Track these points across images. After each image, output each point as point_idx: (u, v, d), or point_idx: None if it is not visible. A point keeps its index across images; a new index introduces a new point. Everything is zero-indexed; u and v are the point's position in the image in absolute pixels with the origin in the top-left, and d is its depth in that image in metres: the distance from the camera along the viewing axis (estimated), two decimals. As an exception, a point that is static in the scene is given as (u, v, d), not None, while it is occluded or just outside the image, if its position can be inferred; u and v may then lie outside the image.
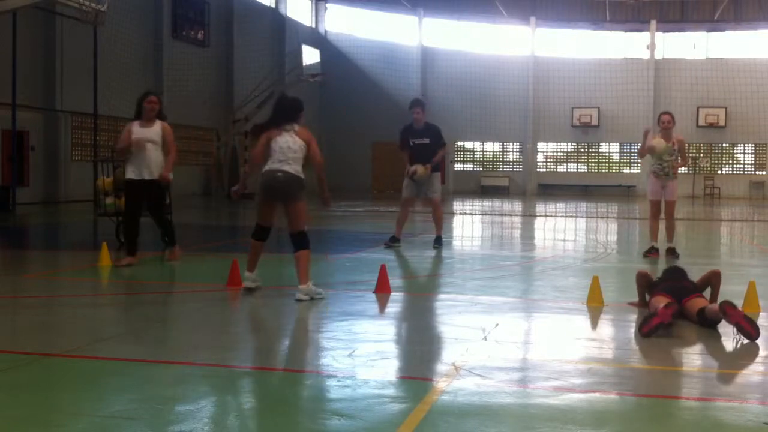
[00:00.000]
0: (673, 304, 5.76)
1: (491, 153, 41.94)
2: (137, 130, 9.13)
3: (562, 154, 41.29)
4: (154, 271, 9.21)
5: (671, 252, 10.52)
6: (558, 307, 6.83)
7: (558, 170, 41.09)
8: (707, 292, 6.51)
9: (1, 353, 4.96)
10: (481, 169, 41.61)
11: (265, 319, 6.54)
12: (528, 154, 40.37)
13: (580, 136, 39.99)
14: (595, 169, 40.72)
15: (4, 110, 21.03)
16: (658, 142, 10.53)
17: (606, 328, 6.18)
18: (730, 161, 39.60)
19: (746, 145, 38.89)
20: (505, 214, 21.76)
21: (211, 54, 31.86)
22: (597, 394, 4.20)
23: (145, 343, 5.43)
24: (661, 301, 5.92)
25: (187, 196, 26.48)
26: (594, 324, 6.28)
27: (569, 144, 40.73)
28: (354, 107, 39.64)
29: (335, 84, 37.38)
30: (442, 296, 7.66)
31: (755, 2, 38.56)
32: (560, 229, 16.84)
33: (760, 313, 6.47)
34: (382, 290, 7.25)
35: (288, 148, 7.14)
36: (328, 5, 41.74)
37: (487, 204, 28.05)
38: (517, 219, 20.06)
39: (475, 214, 21.65)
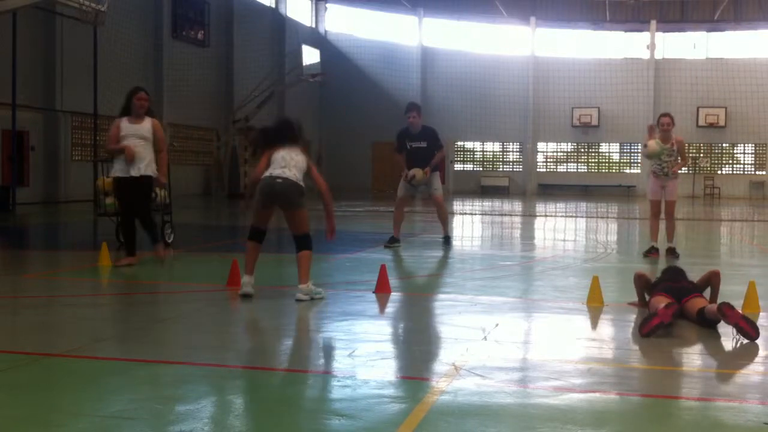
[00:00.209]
0: (673, 304, 5.76)
1: (491, 153, 41.95)
2: (126, 127, 8.93)
3: (562, 154, 41.30)
4: (154, 271, 9.21)
5: (671, 252, 10.52)
6: (558, 307, 6.83)
7: (558, 170, 41.10)
8: (707, 293, 6.51)
9: (1, 353, 4.96)
10: (481, 169, 41.62)
11: (265, 319, 6.54)
12: (528, 154, 40.37)
13: (580, 136, 39.99)
14: (595, 169, 40.72)
15: (4, 110, 21.03)
16: (652, 144, 10.52)
17: (606, 328, 6.18)
18: (730, 161, 39.60)
19: (746, 145, 38.89)
20: (505, 214, 21.76)
21: (211, 54, 31.87)
22: (597, 394, 4.20)
23: (145, 343, 5.43)
24: (661, 302, 5.92)
25: (187, 196, 26.48)
26: (594, 324, 6.28)
27: (569, 144, 40.74)
28: (354, 107, 39.65)
29: (335, 84, 37.39)
30: (442, 296, 7.66)
31: (755, 2, 38.56)
32: (560, 229, 16.84)
33: (760, 313, 6.47)
34: (382, 290, 7.25)
35: (290, 157, 7.08)
36: (328, 5, 41.74)
37: (487, 204, 28.05)
38: (517, 219, 20.07)
39: (475, 214, 21.65)
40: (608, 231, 16.94)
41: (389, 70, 40.37)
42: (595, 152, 40.84)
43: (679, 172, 10.86)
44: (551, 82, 39.18)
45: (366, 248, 11.70)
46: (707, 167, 38.55)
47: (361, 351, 5.06)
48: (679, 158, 10.70)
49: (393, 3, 40.01)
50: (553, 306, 6.87)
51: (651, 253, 10.59)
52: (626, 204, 29.22)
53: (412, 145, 11.42)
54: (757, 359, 5.21)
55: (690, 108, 36.99)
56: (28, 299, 7.08)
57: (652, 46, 38.90)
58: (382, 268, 7.35)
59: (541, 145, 40.70)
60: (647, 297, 6.50)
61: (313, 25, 41.25)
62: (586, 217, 21.55)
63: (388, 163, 36.19)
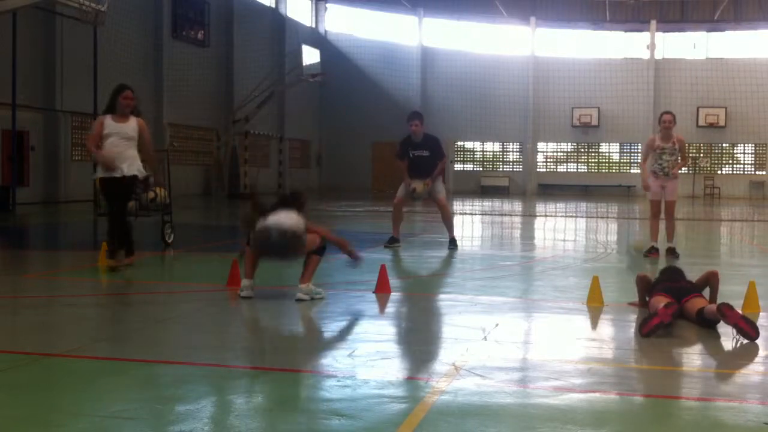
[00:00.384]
0: (672, 304, 5.76)
1: (491, 153, 41.96)
2: (110, 125, 8.61)
3: (562, 154, 41.30)
4: (154, 271, 9.21)
5: (671, 252, 10.52)
6: (558, 307, 6.83)
7: (558, 170, 41.10)
8: (706, 293, 6.51)
9: (1, 353, 4.96)
10: (481, 169, 41.62)
11: (265, 319, 6.54)
12: (528, 154, 40.37)
13: (580, 136, 39.99)
14: (595, 169, 40.72)
15: (4, 110, 21.03)
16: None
17: (606, 328, 6.18)
18: (730, 161, 39.61)
19: (746, 145, 38.89)
20: (505, 214, 21.76)
21: (211, 54, 31.87)
22: (597, 394, 4.20)
23: (146, 343, 5.43)
24: (660, 302, 5.92)
25: (187, 196, 26.48)
26: (594, 324, 6.28)
27: (569, 144, 40.74)
28: (354, 107, 39.66)
29: (335, 84, 37.40)
30: (442, 296, 7.66)
31: (755, 2, 38.56)
32: (560, 229, 16.84)
33: (760, 313, 6.47)
34: (382, 290, 7.24)
35: (287, 215, 6.86)
36: (328, 5, 41.74)
37: (487, 204, 28.05)
38: (517, 219, 20.07)
39: (475, 214, 21.65)
40: (608, 231, 16.94)
41: (389, 70, 40.36)
42: (595, 152, 40.84)
43: (679, 171, 10.86)
44: (551, 82, 39.18)
45: (366, 248, 11.69)
46: (707, 167, 38.56)
47: (361, 351, 5.06)
48: (679, 157, 10.71)
49: (393, 3, 40.00)
50: (553, 306, 6.87)
51: (651, 253, 10.59)
52: (626, 204, 29.22)
53: (414, 153, 11.42)
54: (757, 359, 5.21)
55: (690, 108, 36.98)
56: (28, 299, 7.07)
57: (652, 46, 38.90)
58: (382, 268, 7.35)
59: (541, 145, 40.70)
60: (647, 298, 6.50)
61: (313, 25, 41.25)
62: (586, 217, 21.56)
63: (388, 163, 36.19)
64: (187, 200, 24.24)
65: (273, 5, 36.96)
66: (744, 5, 38.63)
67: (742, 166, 39.49)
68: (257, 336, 6.04)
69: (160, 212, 11.24)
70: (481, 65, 39.62)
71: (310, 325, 6.31)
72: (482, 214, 21.64)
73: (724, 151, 39.34)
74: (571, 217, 21.45)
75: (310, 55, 34.29)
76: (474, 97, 39.30)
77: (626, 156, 40.57)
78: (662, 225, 10.87)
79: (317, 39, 39.39)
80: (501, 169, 41.38)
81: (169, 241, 11.17)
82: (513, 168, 41.20)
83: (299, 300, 6.79)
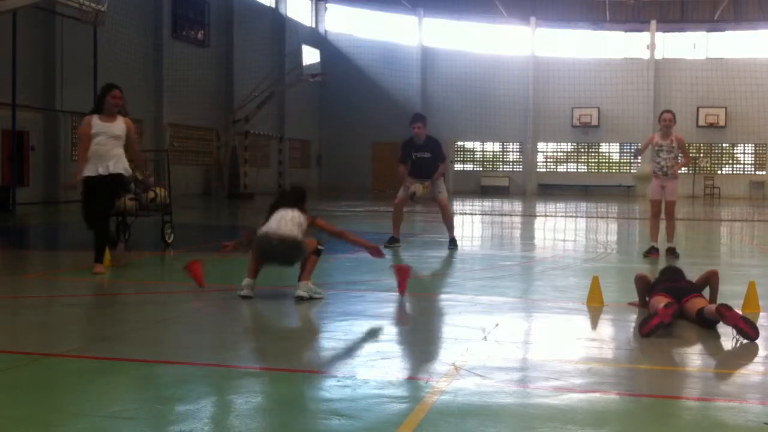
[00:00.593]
0: (672, 304, 5.76)
1: (491, 153, 41.97)
2: (98, 125, 8.49)
3: (562, 154, 41.31)
4: (154, 271, 9.21)
5: (671, 252, 10.52)
6: (558, 307, 6.82)
7: (558, 170, 41.11)
8: (706, 292, 6.51)
9: (1, 353, 4.95)
10: (481, 169, 41.63)
11: (265, 319, 6.54)
12: (528, 154, 40.38)
13: (580, 136, 39.99)
14: (595, 169, 40.73)
15: (4, 110, 21.03)
16: (647, 170, 10.82)
17: (606, 328, 6.18)
18: (730, 161, 39.62)
19: (746, 145, 38.90)
20: (505, 214, 21.76)
21: (211, 54, 31.87)
22: (597, 394, 4.20)
23: (145, 343, 5.43)
24: (660, 302, 5.92)
25: (187, 196, 26.48)
26: (594, 324, 6.28)
27: (569, 144, 40.74)
28: (354, 107, 39.66)
29: (335, 84, 37.39)
30: (442, 296, 7.66)
31: (755, 2, 38.57)
32: (560, 229, 16.84)
33: (760, 313, 6.47)
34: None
35: (287, 214, 7.02)
36: (328, 5, 41.74)
37: (487, 204, 28.05)
38: (517, 219, 20.07)
39: (475, 214, 21.65)
40: (608, 231, 16.94)
41: (389, 70, 40.37)
42: (595, 152, 40.84)
43: (679, 171, 10.86)
44: (551, 82, 39.18)
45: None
46: (707, 167, 38.56)
47: (361, 351, 5.06)
48: (679, 156, 10.71)
49: (393, 3, 40.01)
50: (553, 306, 6.87)
51: (651, 253, 10.59)
52: (626, 204, 29.21)
53: (416, 155, 11.44)
54: (757, 359, 5.21)
55: (690, 108, 36.98)
56: (28, 299, 7.07)
57: (652, 46, 38.90)
58: (404, 272, 7.22)
59: (541, 145, 40.70)
60: (647, 298, 6.50)
61: (313, 25, 41.25)
62: (586, 217, 21.56)
63: (388, 163, 36.22)
64: (187, 200, 24.24)
65: (273, 5, 36.96)
66: (744, 5, 38.64)
67: (742, 166, 39.50)
68: (257, 336, 6.04)
69: (160, 212, 11.25)
70: (481, 65, 39.62)
71: (310, 325, 6.31)
72: (482, 214, 21.64)
73: (724, 151, 39.35)
74: (571, 217, 21.45)
75: (310, 55, 34.30)
76: (474, 97, 39.30)
77: (626, 156, 40.57)
78: (662, 225, 10.88)
79: (317, 39, 39.40)
80: (501, 169, 41.39)
81: (169, 241, 11.17)
82: (513, 168, 41.20)
83: (299, 297, 6.80)
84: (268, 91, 31.54)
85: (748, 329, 5.46)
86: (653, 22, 38.79)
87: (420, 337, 5.80)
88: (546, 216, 21.48)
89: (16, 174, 21.33)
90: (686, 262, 9.40)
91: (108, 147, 8.44)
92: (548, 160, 41.26)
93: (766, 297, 6.95)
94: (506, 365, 4.77)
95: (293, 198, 7.30)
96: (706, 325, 5.84)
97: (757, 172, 38.94)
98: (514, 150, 41.29)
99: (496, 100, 39.39)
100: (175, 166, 19.84)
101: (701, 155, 38.53)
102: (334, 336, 5.70)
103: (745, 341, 5.47)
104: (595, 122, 39.30)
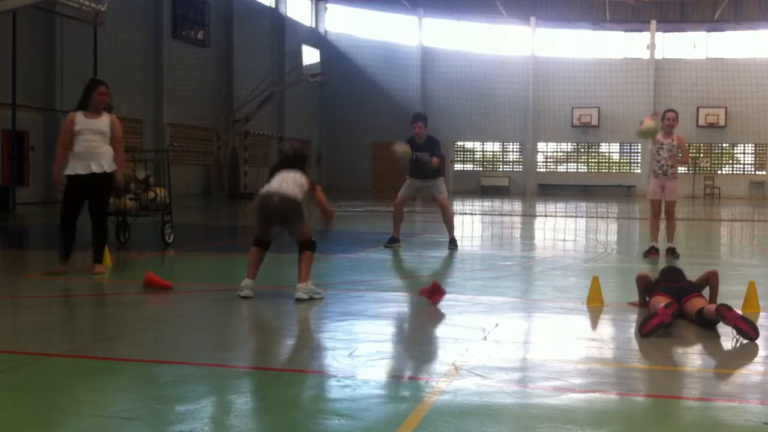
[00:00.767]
0: (672, 304, 5.76)
1: (491, 153, 41.97)
2: (82, 121, 8.24)
3: (562, 154, 41.32)
4: (154, 271, 9.19)
5: (671, 252, 10.53)
6: (558, 307, 6.83)
7: (558, 170, 41.11)
8: (706, 292, 6.52)
9: (1, 353, 4.95)
10: (481, 169, 41.63)
11: (265, 319, 6.54)
12: (528, 154, 40.38)
13: (580, 136, 40.00)
14: (595, 169, 40.74)
15: (4, 110, 21.03)
16: (648, 121, 10.70)
17: (606, 328, 6.18)
18: (730, 161, 39.62)
19: (746, 145, 38.91)
20: (505, 214, 21.76)
21: (211, 54, 31.87)
22: (597, 394, 4.20)
23: (145, 343, 5.43)
24: (660, 302, 5.92)
25: (187, 196, 26.49)
26: (594, 324, 6.28)
27: (569, 144, 40.75)
28: (354, 107, 39.66)
29: (335, 84, 37.39)
30: (442, 296, 7.64)
31: (755, 2, 38.57)
32: (560, 229, 16.84)
33: (761, 313, 6.47)
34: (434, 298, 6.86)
35: (288, 175, 7.10)
36: (328, 5, 41.74)
37: (487, 204, 28.05)
38: (517, 219, 20.07)
39: (475, 214, 21.65)
40: (608, 231, 16.95)
41: (389, 70, 40.37)
42: (595, 152, 40.85)
43: (679, 171, 10.88)
44: (551, 82, 39.18)
45: (366, 248, 11.71)
46: (707, 167, 38.56)
47: (361, 351, 5.06)
48: (680, 155, 10.72)
49: (393, 3, 40.01)
50: (553, 306, 6.87)
51: (651, 253, 10.60)
52: (626, 204, 29.22)
53: (417, 155, 11.44)
54: (757, 359, 5.21)
55: (690, 108, 36.99)
56: (28, 299, 7.07)
57: (652, 46, 38.90)
58: (435, 288, 6.97)
59: (541, 145, 40.71)
60: (647, 298, 6.50)
61: (313, 25, 41.26)
62: (586, 217, 21.56)
63: (388, 163, 36.21)
64: (187, 200, 24.25)
65: (273, 5, 36.96)
66: (744, 5, 38.64)
67: (742, 166, 39.50)
68: (257, 336, 6.04)
69: (160, 212, 11.25)
70: (481, 65, 39.63)
71: (310, 325, 6.31)
72: (482, 214, 21.65)
73: (724, 151, 39.35)
74: (571, 217, 21.45)
75: (310, 55, 34.30)
76: (474, 97, 39.30)
77: (626, 156, 40.57)
78: (662, 225, 10.88)
79: (317, 39, 39.40)
80: (501, 169, 41.39)
81: (169, 241, 11.17)
82: (513, 168, 41.20)
83: (298, 300, 6.80)
84: (268, 91, 31.54)
85: (747, 329, 5.46)
86: (653, 22, 38.79)
87: (420, 337, 5.80)
88: (546, 216, 21.48)
89: (16, 174, 21.33)
90: (686, 262, 9.40)
91: (97, 144, 8.23)
92: (548, 160, 41.26)
93: (766, 297, 6.95)
94: (506, 365, 4.77)
95: (295, 161, 7.37)
96: (705, 325, 5.84)
97: (757, 172, 38.94)
98: (514, 150, 41.30)
99: (496, 100, 39.40)
100: (175, 166, 19.85)
101: (701, 155, 38.53)
102: (334, 336, 5.70)
103: (745, 341, 5.47)
104: (595, 122, 39.30)
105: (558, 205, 27.53)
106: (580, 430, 3.63)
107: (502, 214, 21.75)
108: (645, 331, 5.55)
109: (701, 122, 37.92)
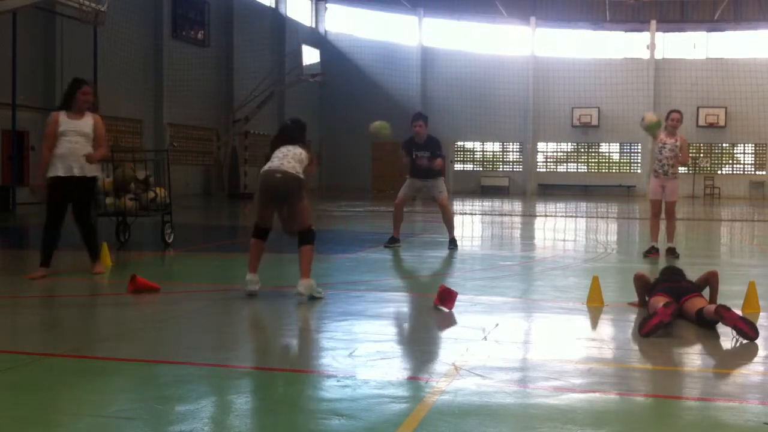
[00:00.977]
0: (672, 304, 5.76)
1: (491, 153, 41.97)
2: (66, 122, 8.06)
3: (562, 154, 41.32)
4: (154, 272, 9.21)
5: (671, 252, 10.53)
6: (558, 307, 6.83)
7: (558, 170, 41.11)
8: (706, 293, 6.51)
9: (1, 353, 4.95)
10: (481, 169, 41.63)
11: (265, 319, 6.54)
12: (528, 154, 40.38)
13: (580, 136, 40.00)
14: (595, 169, 40.74)
15: (4, 110, 21.03)
16: (650, 115, 10.71)
17: (606, 328, 6.18)
18: (730, 161, 39.63)
19: (746, 145, 38.91)
20: (505, 214, 21.76)
21: (211, 54, 31.87)
22: (597, 394, 4.20)
23: (145, 343, 5.43)
24: (660, 301, 5.92)
25: (187, 196, 26.49)
26: (594, 324, 6.28)
27: (569, 144, 40.75)
28: (354, 107, 39.63)
29: (335, 84, 37.38)
30: (442, 296, 7.64)
31: (755, 2, 38.57)
32: (560, 229, 16.84)
33: (761, 313, 6.47)
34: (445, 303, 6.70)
35: (289, 151, 7.13)
36: (328, 5, 41.74)
37: (487, 204, 28.05)
38: (517, 219, 20.07)
39: (475, 214, 21.65)
40: (608, 231, 16.94)
41: (389, 70, 40.37)
42: (595, 152, 40.85)
43: (679, 171, 10.88)
44: (551, 82, 39.18)
45: (366, 248, 11.71)
46: (707, 167, 38.56)
47: (361, 351, 5.06)
48: (679, 156, 10.73)
49: (393, 3, 40.01)
50: (553, 306, 6.87)
51: (651, 253, 10.60)
52: (626, 204, 29.22)
53: (417, 154, 11.44)
54: (757, 359, 5.21)
55: (690, 108, 36.96)
56: (28, 299, 7.07)
57: (652, 46, 38.90)
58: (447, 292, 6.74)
59: (541, 145, 40.71)
60: (647, 298, 6.50)
61: (313, 25, 41.26)
62: (586, 217, 21.56)
63: (388, 163, 36.24)
64: (187, 200, 24.25)
65: (273, 5, 36.96)
66: (744, 5, 38.64)
67: (742, 166, 39.50)
68: (257, 336, 6.04)
69: (160, 212, 11.25)
70: (481, 65, 39.63)
71: (310, 325, 6.31)
72: (482, 214, 21.65)
73: (724, 151, 39.35)
74: (571, 217, 21.45)
75: (310, 55, 34.30)
76: (474, 97, 39.30)
77: (626, 156, 40.57)
78: (663, 225, 10.88)
79: (317, 39, 39.40)
80: (501, 169, 41.39)
81: (169, 241, 11.18)
82: (513, 168, 41.20)
83: (299, 294, 6.83)
84: (268, 91, 31.54)
85: (747, 329, 5.46)
86: (653, 22, 38.79)
87: (420, 337, 5.80)
88: (546, 216, 21.48)
89: (16, 174, 21.33)
90: (686, 262, 9.40)
91: (81, 146, 8.06)
92: (548, 160, 41.26)
93: (766, 297, 6.95)
94: (506, 365, 4.77)
95: (295, 131, 7.35)
96: (705, 325, 5.84)
97: (757, 172, 38.94)
98: (514, 150, 41.29)
99: (496, 100, 39.40)
100: (175, 166, 19.84)
101: (701, 155, 38.53)
102: (334, 336, 5.70)
103: (744, 341, 5.47)
104: (595, 122, 39.30)
105: (558, 205, 27.52)
106: (580, 430, 3.63)
107: (502, 214, 21.75)
108: (645, 331, 5.55)
109: (701, 122, 37.92)
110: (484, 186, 40.17)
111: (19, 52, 21.09)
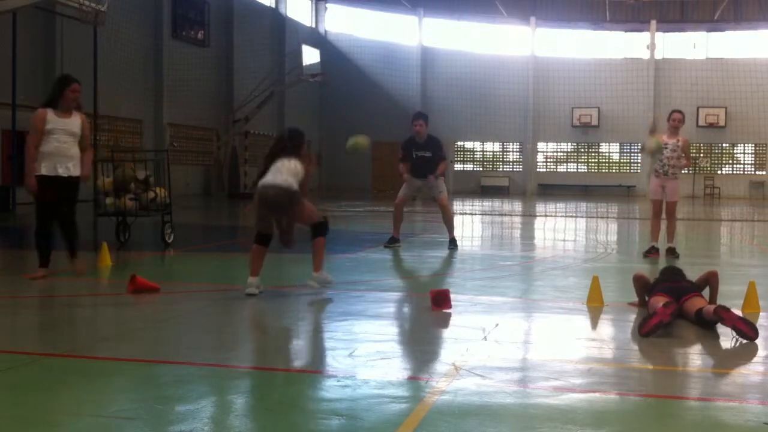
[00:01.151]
0: (672, 303, 5.76)
1: (491, 153, 41.96)
2: (54, 120, 7.82)
3: (562, 154, 41.31)
4: (154, 272, 9.21)
5: (671, 252, 10.52)
6: (558, 307, 6.83)
7: (558, 170, 41.10)
8: (706, 293, 6.51)
9: (1, 353, 4.95)
10: (481, 169, 41.62)
11: (265, 319, 6.54)
12: (528, 154, 40.37)
13: (580, 136, 39.99)
14: (595, 169, 40.73)
15: (4, 110, 21.03)
16: (650, 142, 10.61)
17: (606, 328, 6.18)
18: (730, 161, 39.62)
19: (746, 145, 38.90)
20: (505, 214, 21.76)
21: (211, 54, 31.87)
22: (597, 394, 4.20)
23: (145, 343, 5.43)
24: (660, 301, 5.92)
25: (187, 196, 26.48)
26: (594, 324, 6.28)
27: (569, 144, 40.74)
28: (354, 107, 39.64)
29: (335, 84, 37.37)
30: (442, 296, 7.63)
31: (755, 2, 38.57)
32: (560, 229, 16.84)
33: (761, 313, 6.47)
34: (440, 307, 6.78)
35: (283, 165, 7.16)
36: (328, 5, 41.73)
37: (487, 204, 28.05)
38: (517, 219, 20.07)
39: (475, 214, 21.65)
40: (608, 231, 16.94)
41: (389, 70, 40.36)
42: (595, 152, 40.85)
43: (681, 171, 10.87)
44: (551, 82, 39.18)
45: (366, 248, 11.71)
46: (707, 167, 38.55)
47: (361, 351, 5.06)
48: (681, 158, 10.71)
49: (393, 3, 40.00)
50: (553, 306, 6.87)
51: (651, 253, 10.60)
52: (626, 204, 29.22)
53: (417, 153, 11.44)
54: (756, 359, 5.21)
55: (690, 108, 36.93)
56: (28, 299, 7.07)
57: (652, 46, 38.89)
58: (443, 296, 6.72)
59: (541, 145, 40.70)
60: (647, 298, 6.50)
61: (313, 25, 41.25)
62: (586, 217, 21.55)
63: (388, 163, 36.20)
64: (187, 200, 24.25)
65: (273, 5, 36.96)
66: (744, 5, 38.64)
67: (742, 166, 39.49)
68: (257, 336, 6.04)
69: (160, 212, 11.25)
70: (481, 65, 39.62)
71: (310, 325, 6.31)
72: (482, 214, 21.64)
73: (724, 151, 39.35)
74: (571, 217, 21.45)
75: (310, 55, 34.29)
76: (474, 97, 39.29)
77: (626, 156, 40.57)
78: (663, 225, 10.87)
79: (317, 39, 39.38)
80: (501, 169, 41.38)
81: (169, 241, 11.18)
82: (513, 168, 41.20)
83: (309, 286, 7.02)
84: (268, 91, 31.54)
85: (747, 330, 5.46)
86: (653, 22, 38.78)
87: (420, 337, 5.80)
88: (546, 216, 21.48)
89: (16, 174, 21.32)
90: (686, 262, 9.40)
91: (68, 146, 7.88)
92: (548, 160, 41.26)
93: (766, 297, 6.95)
94: (506, 365, 4.77)
95: (290, 144, 7.34)
96: (705, 325, 5.84)
97: (757, 172, 38.93)
98: (514, 150, 41.29)
99: (496, 100, 39.39)
100: (175, 166, 19.83)
101: (701, 155, 38.53)
102: (334, 336, 5.70)
103: (744, 341, 5.47)
104: (595, 122, 39.30)
105: (558, 205, 27.52)
106: (580, 430, 3.63)
107: (502, 214, 21.75)
108: (644, 331, 5.55)
109: (701, 122, 37.91)
110: (484, 186, 40.16)
111: (19, 52, 21.08)
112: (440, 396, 4.08)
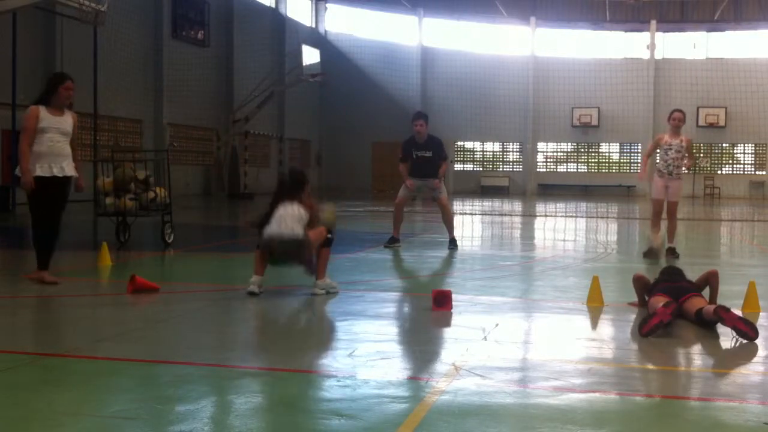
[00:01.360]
0: (672, 303, 5.76)
1: (491, 153, 41.96)
2: (47, 118, 7.60)
3: (562, 154, 41.31)
4: (154, 272, 9.21)
5: (671, 252, 10.52)
6: (558, 307, 6.83)
7: (558, 170, 41.10)
8: (706, 293, 6.51)
9: (1, 353, 4.95)
10: (481, 169, 41.62)
11: (265, 319, 6.54)
12: (528, 154, 40.38)
13: (580, 136, 39.99)
14: (595, 169, 40.73)
15: (4, 110, 21.03)
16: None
17: (606, 328, 6.18)
18: (730, 161, 39.62)
19: (746, 145, 38.90)
20: (505, 214, 21.76)
21: (211, 54, 31.87)
22: (597, 394, 4.20)
23: (145, 343, 5.43)
24: (660, 301, 5.92)
25: (187, 196, 26.49)
26: (594, 324, 6.28)
27: (569, 144, 40.74)
28: (354, 107, 39.65)
29: (335, 84, 37.39)
30: (442, 296, 7.63)
31: (755, 2, 38.57)
32: (560, 229, 16.84)
33: (761, 313, 6.47)
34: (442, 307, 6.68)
35: (286, 211, 7.10)
36: (328, 5, 41.73)
37: (487, 204, 28.05)
38: (517, 219, 20.07)
39: (475, 214, 21.65)
40: (608, 231, 16.94)
41: (389, 70, 40.36)
42: (595, 152, 40.85)
43: (683, 171, 10.87)
44: (551, 82, 39.18)
45: (366, 248, 11.71)
46: (707, 167, 38.55)
47: (361, 351, 5.06)
48: (685, 157, 10.71)
49: (393, 3, 40.00)
50: (553, 306, 6.87)
51: (650, 254, 10.58)
52: (626, 204, 29.22)
53: (417, 153, 11.43)
54: (756, 359, 5.21)
55: (690, 108, 36.91)
56: (28, 299, 7.07)
57: (652, 46, 38.89)
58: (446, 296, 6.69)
59: (541, 145, 40.70)
60: (647, 298, 6.50)
61: (313, 25, 41.25)
62: (586, 217, 21.55)
63: (388, 163, 36.20)
64: (187, 200, 24.24)
65: (273, 5, 36.96)
66: (744, 5, 38.63)
67: (742, 166, 39.50)
68: (257, 336, 6.04)
69: (160, 212, 11.25)
70: (481, 65, 39.62)
71: (310, 325, 6.31)
72: (482, 214, 21.64)
73: (724, 151, 39.35)
74: (571, 217, 21.45)
75: (310, 55, 34.29)
76: (474, 97, 39.29)
77: (626, 156, 40.57)
78: (663, 225, 10.87)
79: (317, 39, 39.39)
80: (501, 169, 41.38)
81: (169, 241, 11.18)
82: (513, 168, 41.20)
83: (314, 294, 6.99)
84: (268, 91, 31.54)
85: (747, 330, 5.46)
86: (653, 22, 38.78)
87: (420, 337, 5.80)
88: (546, 216, 21.48)
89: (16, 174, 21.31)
90: (686, 262, 9.40)
91: (62, 145, 7.66)
92: (548, 160, 41.26)
93: (766, 297, 6.95)
94: (506, 365, 4.77)
95: (292, 189, 7.29)
96: (705, 325, 5.84)
97: (757, 172, 38.94)
98: (514, 150, 41.29)
99: (496, 100, 39.39)
100: (175, 166, 19.83)
101: (701, 155, 38.52)
102: (334, 336, 5.70)
103: (744, 341, 5.47)
104: (595, 122, 39.30)
105: (558, 205, 27.52)
106: (580, 430, 3.63)
107: (502, 214, 21.75)
108: (644, 331, 5.55)
109: (701, 122, 37.91)
110: (484, 186, 40.16)
111: (19, 52, 21.07)
112: (440, 396, 4.08)
